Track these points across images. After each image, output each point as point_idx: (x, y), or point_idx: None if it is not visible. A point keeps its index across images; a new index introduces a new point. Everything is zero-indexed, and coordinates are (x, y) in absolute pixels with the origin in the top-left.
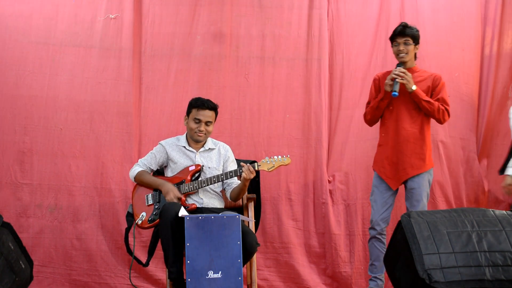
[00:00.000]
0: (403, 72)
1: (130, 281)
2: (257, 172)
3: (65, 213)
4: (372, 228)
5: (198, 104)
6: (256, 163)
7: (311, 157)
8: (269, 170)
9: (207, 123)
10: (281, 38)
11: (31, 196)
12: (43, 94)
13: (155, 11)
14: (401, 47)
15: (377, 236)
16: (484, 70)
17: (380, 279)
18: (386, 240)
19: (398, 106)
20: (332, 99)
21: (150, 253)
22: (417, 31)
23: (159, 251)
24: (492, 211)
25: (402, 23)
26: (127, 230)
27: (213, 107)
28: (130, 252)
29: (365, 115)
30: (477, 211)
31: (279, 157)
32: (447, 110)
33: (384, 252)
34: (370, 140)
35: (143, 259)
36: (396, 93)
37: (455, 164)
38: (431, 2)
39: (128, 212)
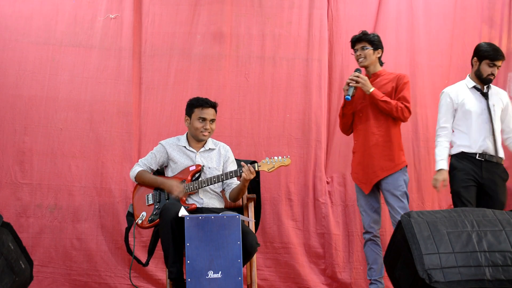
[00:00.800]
0: (357, 76)
1: (130, 281)
2: (257, 172)
3: (65, 213)
4: (365, 232)
5: (200, 103)
6: (256, 164)
7: (311, 157)
8: (269, 170)
9: (211, 121)
10: (281, 38)
11: (31, 196)
12: (43, 94)
13: (155, 10)
14: (359, 52)
15: (372, 238)
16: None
17: (380, 282)
18: (383, 242)
19: (366, 111)
20: (331, 100)
21: (150, 253)
22: (375, 36)
23: (159, 251)
24: (492, 211)
25: (362, 31)
26: (127, 230)
27: (215, 105)
28: (130, 252)
29: (339, 125)
30: (477, 211)
31: (279, 157)
32: (407, 107)
33: (381, 255)
34: None
35: (143, 259)
36: (349, 97)
37: None
38: (428, 3)
39: (128, 211)
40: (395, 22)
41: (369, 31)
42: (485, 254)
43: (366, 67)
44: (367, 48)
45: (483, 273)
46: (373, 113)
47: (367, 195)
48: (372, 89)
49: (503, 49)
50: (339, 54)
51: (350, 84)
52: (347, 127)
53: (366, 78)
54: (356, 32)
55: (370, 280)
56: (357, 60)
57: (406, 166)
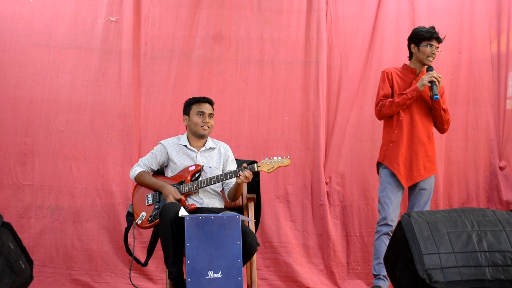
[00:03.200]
0: (440, 77)
1: (130, 281)
2: (257, 172)
3: (66, 214)
4: (385, 224)
5: (196, 99)
6: (256, 164)
7: (309, 159)
8: (269, 171)
9: (210, 116)
10: (280, 41)
11: (32, 197)
12: (44, 96)
13: (155, 13)
14: (435, 52)
15: (389, 233)
16: (494, 70)
17: (387, 278)
18: None
19: (412, 107)
20: (330, 101)
21: (149, 253)
22: None
23: (159, 251)
24: (492, 211)
25: (435, 28)
26: (127, 230)
27: (211, 101)
28: (129, 252)
29: (382, 109)
30: (477, 211)
31: (279, 158)
32: (448, 122)
33: None
34: (366, 141)
35: (143, 259)
36: (438, 97)
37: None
38: (428, 4)
39: (128, 211)
40: (394, 22)
41: (368, 32)
42: (485, 254)
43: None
44: (438, 51)
45: (483, 273)
46: (421, 112)
47: (397, 187)
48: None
49: None
50: (337, 56)
51: (437, 83)
52: (393, 115)
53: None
54: (355, 33)
55: (378, 275)
56: (427, 57)
57: None
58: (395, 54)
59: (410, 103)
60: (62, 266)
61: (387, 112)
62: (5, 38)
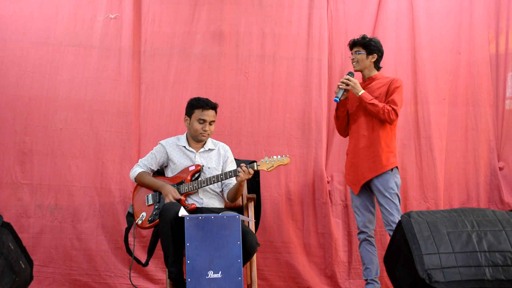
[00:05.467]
0: (347, 79)
1: (130, 281)
2: (257, 172)
3: (65, 213)
4: (360, 232)
5: (201, 104)
6: (255, 163)
7: (311, 156)
8: (268, 170)
9: (210, 123)
10: (281, 37)
11: (31, 196)
12: (43, 94)
13: (154, 10)
14: (353, 56)
15: (367, 238)
16: (493, 71)
17: (377, 282)
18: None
19: (359, 114)
20: (331, 100)
21: (150, 253)
22: (372, 41)
23: (159, 251)
24: (492, 211)
25: (361, 35)
26: (127, 230)
27: (215, 106)
28: (129, 252)
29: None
30: (477, 211)
31: (278, 156)
32: (394, 110)
33: (376, 254)
34: None
35: (143, 259)
36: (338, 99)
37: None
38: (427, 5)
39: (128, 212)
40: (395, 21)
41: (369, 30)
42: (485, 254)
43: (360, 71)
44: (360, 53)
45: (483, 273)
46: (364, 116)
47: (361, 195)
48: (361, 92)
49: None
50: (338, 54)
51: (340, 86)
52: (342, 129)
53: (356, 81)
54: (356, 31)
55: (366, 280)
56: (352, 64)
57: (397, 167)
58: (396, 54)
59: (355, 111)
60: (62, 266)
61: (337, 130)
62: (4, 36)
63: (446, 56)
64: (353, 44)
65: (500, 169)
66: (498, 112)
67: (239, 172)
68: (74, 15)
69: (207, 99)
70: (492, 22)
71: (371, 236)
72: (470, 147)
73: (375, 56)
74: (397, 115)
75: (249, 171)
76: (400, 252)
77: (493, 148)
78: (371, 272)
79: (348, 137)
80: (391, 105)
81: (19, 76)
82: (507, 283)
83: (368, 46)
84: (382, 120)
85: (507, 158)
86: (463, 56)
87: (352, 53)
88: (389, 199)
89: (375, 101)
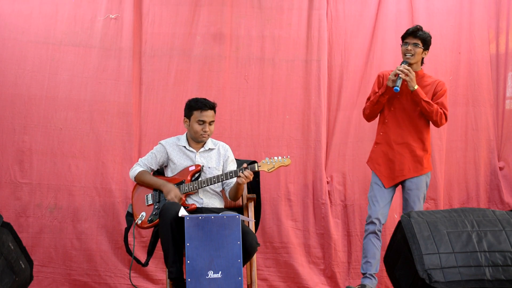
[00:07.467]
0: (407, 69)
1: (130, 281)
2: (257, 172)
3: (65, 213)
4: (371, 223)
5: (199, 105)
6: (256, 164)
7: (310, 158)
8: (269, 170)
9: (210, 123)
10: (281, 39)
11: (30, 196)
12: (42, 94)
13: (155, 11)
14: (409, 47)
15: (376, 231)
16: (493, 70)
17: (374, 278)
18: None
19: (400, 108)
20: (331, 100)
21: (150, 253)
22: (430, 36)
23: (159, 251)
24: (492, 211)
25: (417, 25)
26: (127, 230)
27: (214, 106)
28: (129, 252)
29: (364, 110)
30: (477, 211)
31: (279, 157)
32: (445, 114)
33: (380, 250)
34: (368, 141)
35: (143, 259)
36: (398, 88)
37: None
38: (427, 4)
39: (127, 212)
40: (395, 21)
41: (369, 31)
42: (485, 254)
43: (410, 65)
44: (419, 46)
45: (483, 273)
46: (408, 111)
47: (385, 188)
48: (416, 87)
49: None
50: (338, 55)
51: (401, 76)
52: (375, 115)
53: (414, 73)
54: (356, 32)
55: (365, 273)
56: (404, 54)
57: (431, 171)
58: (396, 54)
59: (393, 101)
60: (61, 266)
61: (367, 112)
62: (4, 35)
63: (446, 56)
64: (413, 34)
65: (500, 169)
66: (498, 112)
67: (240, 174)
68: (74, 14)
69: (205, 99)
70: (492, 22)
71: (379, 230)
72: (470, 147)
73: (427, 52)
74: (446, 119)
75: (249, 177)
76: (400, 252)
77: (493, 148)
78: (371, 266)
79: (373, 127)
80: (443, 109)
81: (18, 74)
82: (507, 283)
83: (426, 41)
84: (432, 121)
85: (507, 158)
86: (463, 56)
87: (407, 43)
88: (418, 199)
89: (430, 100)
